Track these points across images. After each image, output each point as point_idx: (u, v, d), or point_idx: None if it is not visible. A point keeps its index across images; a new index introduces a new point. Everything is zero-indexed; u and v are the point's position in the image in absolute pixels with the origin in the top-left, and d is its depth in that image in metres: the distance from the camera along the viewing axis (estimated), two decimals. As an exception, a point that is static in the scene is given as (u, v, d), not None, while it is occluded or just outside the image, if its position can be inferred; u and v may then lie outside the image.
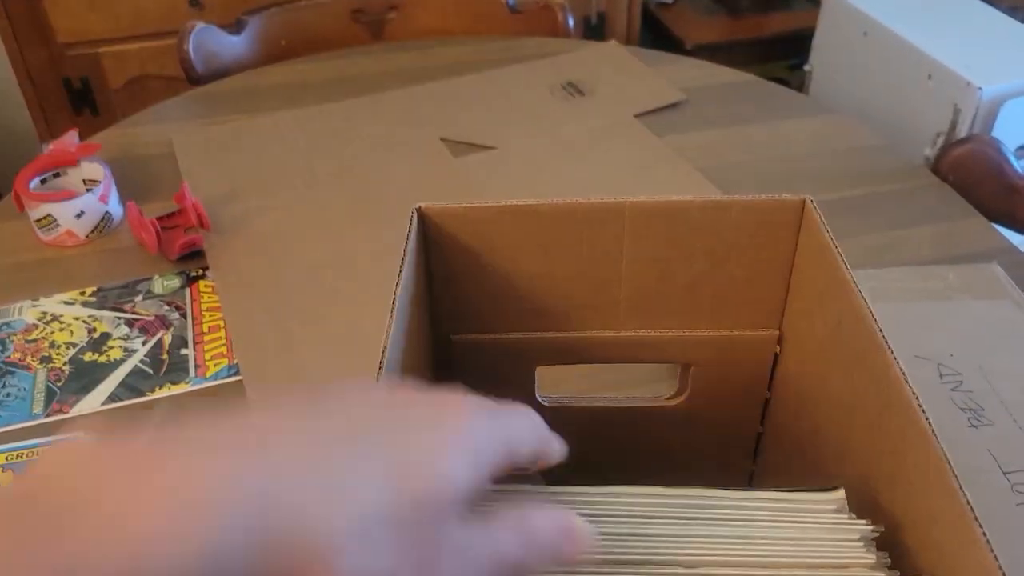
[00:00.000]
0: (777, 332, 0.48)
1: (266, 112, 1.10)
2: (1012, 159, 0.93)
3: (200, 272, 0.85)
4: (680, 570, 0.33)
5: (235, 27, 1.30)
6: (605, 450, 0.49)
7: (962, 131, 1.45)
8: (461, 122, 1.07)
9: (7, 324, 0.79)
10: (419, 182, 0.97)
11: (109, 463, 0.22)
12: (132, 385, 0.73)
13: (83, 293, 0.83)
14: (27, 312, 0.80)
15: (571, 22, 1.36)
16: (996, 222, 0.91)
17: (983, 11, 1.64)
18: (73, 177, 0.93)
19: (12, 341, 0.77)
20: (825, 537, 0.34)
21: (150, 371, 0.74)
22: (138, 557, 0.20)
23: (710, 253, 0.46)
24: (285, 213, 0.92)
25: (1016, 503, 0.59)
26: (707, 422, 0.52)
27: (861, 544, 0.33)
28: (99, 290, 0.83)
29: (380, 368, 0.36)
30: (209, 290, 0.82)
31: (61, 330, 0.78)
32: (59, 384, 0.73)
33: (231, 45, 1.29)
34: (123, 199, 0.93)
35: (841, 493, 0.36)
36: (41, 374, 0.74)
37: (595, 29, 1.89)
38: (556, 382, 0.53)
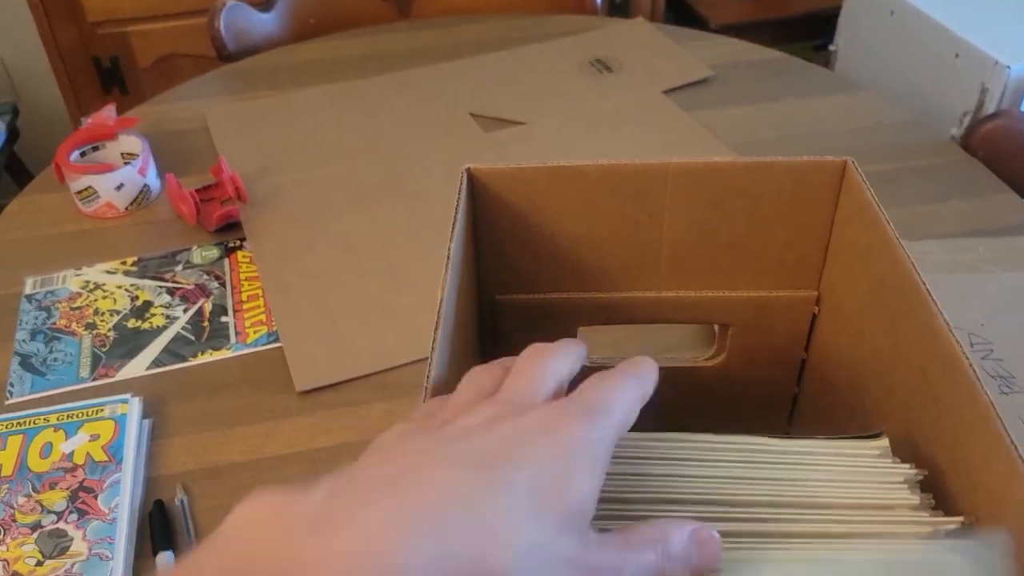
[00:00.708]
0: (816, 293, 0.49)
1: (297, 88, 1.12)
2: (1042, 134, 0.93)
3: (238, 243, 0.86)
4: (721, 509, 0.34)
5: (265, 5, 1.31)
6: (643, 410, 0.51)
7: (990, 110, 1.45)
8: (490, 98, 1.08)
9: (52, 292, 0.81)
10: (450, 156, 0.98)
11: (298, 523, 0.23)
12: (175, 351, 0.74)
13: (124, 263, 0.84)
14: (71, 281, 0.82)
15: (598, 0, 1.37)
16: (1026, 197, 0.91)
17: (1011, -11, 1.63)
18: (111, 150, 0.95)
19: (58, 308, 0.79)
20: (869, 480, 0.35)
21: (192, 337, 0.76)
22: None
23: (750, 214, 0.47)
24: (318, 186, 0.93)
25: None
26: (744, 383, 0.53)
27: (905, 486, 0.34)
28: (140, 260, 0.85)
29: (438, 321, 0.37)
30: (247, 260, 0.84)
31: (104, 298, 0.80)
32: (104, 349, 0.75)
33: (261, 23, 1.30)
34: (160, 172, 0.94)
35: (885, 440, 0.37)
36: (87, 340, 0.76)
37: (620, 8, 1.89)
38: (596, 345, 0.54)
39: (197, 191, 0.89)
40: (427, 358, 0.36)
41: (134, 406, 0.68)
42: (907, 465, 0.35)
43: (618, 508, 0.34)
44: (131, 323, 0.77)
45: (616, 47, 1.17)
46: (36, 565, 0.57)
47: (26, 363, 0.74)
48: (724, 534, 0.30)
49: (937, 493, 0.35)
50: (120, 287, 0.81)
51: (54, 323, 0.78)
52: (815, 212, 0.47)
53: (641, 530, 0.29)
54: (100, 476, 0.62)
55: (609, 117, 1.04)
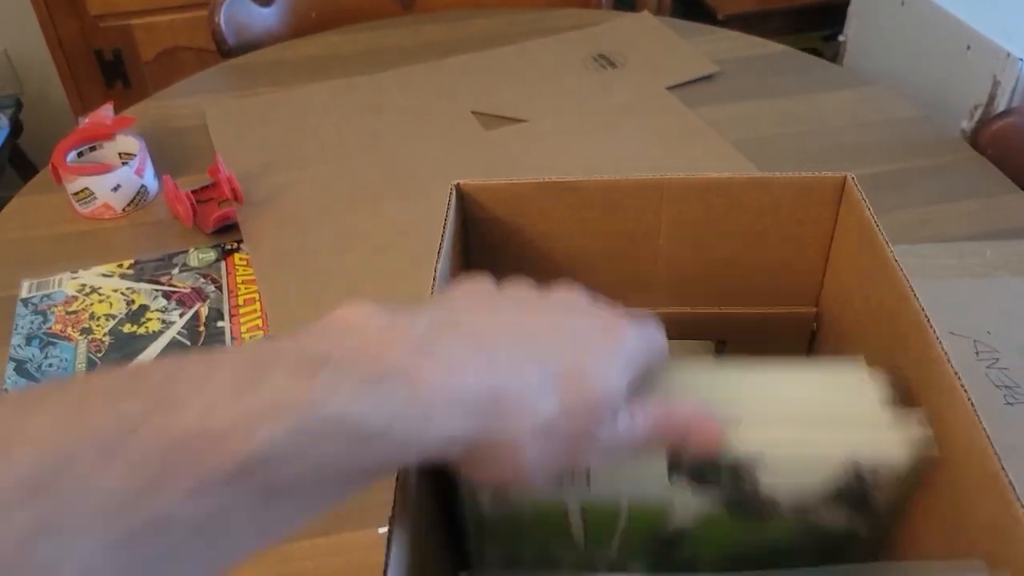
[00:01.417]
0: (815, 310, 0.48)
1: (297, 84, 1.11)
2: (1054, 133, 0.92)
3: (235, 245, 0.86)
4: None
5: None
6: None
7: (1001, 103, 1.43)
8: (492, 95, 1.07)
9: (48, 296, 0.80)
10: (451, 155, 0.97)
11: (406, 344, 0.29)
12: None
13: (121, 266, 0.84)
14: (67, 284, 0.82)
15: (603, -7, 1.35)
16: (1036, 197, 0.89)
17: (1025, -21, 1.60)
18: (109, 150, 0.94)
19: (53, 312, 0.79)
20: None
21: (188, 343, 0.75)
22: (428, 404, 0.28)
23: (748, 230, 0.46)
24: (318, 186, 0.92)
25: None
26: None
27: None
28: (136, 263, 0.84)
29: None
30: (244, 263, 0.83)
31: (100, 302, 0.80)
32: (100, 355, 0.74)
33: (262, 17, 1.29)
34: (158, 172, 0.93)
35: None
36: (82, 345, 0.75)
37: (627, 1, 1.87)
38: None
39: (194, 192, 0.89)
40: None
41: (128, 414, 0.67)
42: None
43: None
44: (127, 328, 0.77)
45: (620, 42, 1.16)
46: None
47: (21, 369, 0.73)
48: None
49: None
50: (116, 291, 0.81)
51: (50, 328, 0.77)
52: (814, 228, 0.46)
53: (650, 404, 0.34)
54: (93, 487, 0.62)
55: (612, 114, 1.02)
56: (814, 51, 1.30)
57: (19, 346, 0.75)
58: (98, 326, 0.77)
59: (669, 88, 1.06)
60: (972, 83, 1.50)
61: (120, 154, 0.94)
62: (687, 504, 0.36)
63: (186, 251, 0.85)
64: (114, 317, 0.78)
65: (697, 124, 1.00)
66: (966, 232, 0.83)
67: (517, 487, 0.32)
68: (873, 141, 0.97)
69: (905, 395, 0.37)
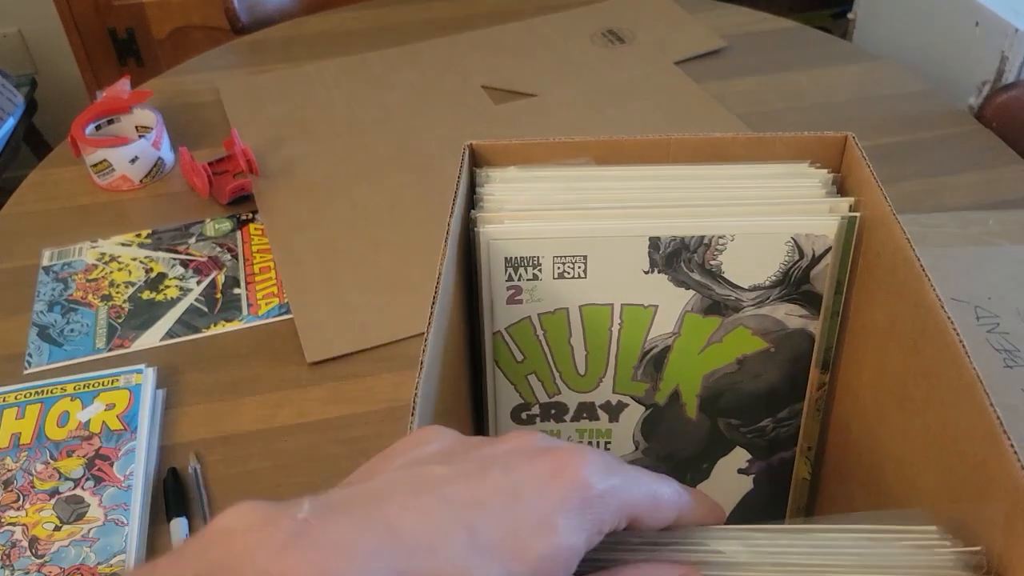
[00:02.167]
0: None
1: (309, 61, 1.12)
2: (1058, 105, 0.92)
3: (250, 216, 0.87)
4: None
5: (277, -24, 1.31)
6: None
7: (1009, 79, 1.43)
8: (502, 70, 1.08)
9: (68, 264, 0.82)
10: (461, 128, 0.98)
11: (275, 537, 0.24)
12: (188, 322, 0.76)
13: (139, 235, 0.86)
14: (87, 253, 0.84)
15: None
16: (1040, 169, 0.90)
17: (1034, -44, 1.59)
18: (126, 124, 0.96)
19: (74, 280, 0.80)
20: None
21: (205, 309, 0.77)
22: None
23: (752, 189, 0.47)
24: (330, 158, 0.94)
25: (1049, 440, 0.60)
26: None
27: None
28: (154, 232, 0.86)
29: (436, 294, 0.38)
30: (259, 233, 0.85)
31: (119, 270, 0.82)
32: (119, 320, 0.76)
33: (274, -6, 1.30)
34: (173, 145, 0.95)
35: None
36: (102, 311, 0.77)
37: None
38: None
39: (210, 164, 0.90)
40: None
41: (148, 376, 0.69)
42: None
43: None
44: (145, 295, 0.79)
45: (628, 18, 1.17)
46: (54, 530, 0.59)
47: (44, 333, 0.75)
48: None
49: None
50: (135, 259, 0.83)
51: (71, 294, 0.79)
52: (815, 186, 0.47)
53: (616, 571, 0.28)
54: (115, 444, 0.64)
55: (620, 88, 1.03)
56: (823, 29, 1.30)
57: (41, 312, 0.77)
58: (118, 293, 0.79)
59: (677, 63, 1.07)
60: (980, 59, 1.50)
61: (137, 127, 0.96)
62: (670, 304, 0.42)
63: (202, 221, 0.87)
64: (133, 284, 0.80)
65: (704, 98, 1.01)
66: (970, 202, 0.85)
67: None
68: (879, 114, 0.98)
69: (903, 332, 0.39)
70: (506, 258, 0.42)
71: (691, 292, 0.43)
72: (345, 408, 0.68)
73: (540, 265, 0.43)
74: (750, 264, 0.42)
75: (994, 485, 0.32)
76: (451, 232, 0.41)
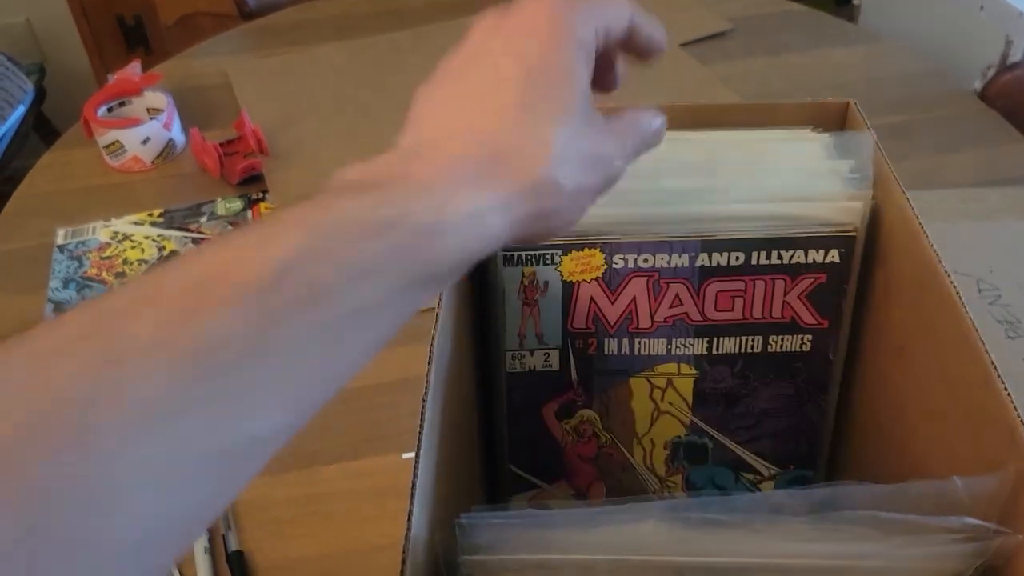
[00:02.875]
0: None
1: (317, 44, 1.13)
2: (1061, 84, 0.93)
3: (260, 195, 0.89)
4: None
5: (285, -38, 1.32)
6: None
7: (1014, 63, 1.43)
8: (508, 52, 1.09)
9: (83, 243, 0.84)
10: (468, 110, 0.99)
11: (379, 162, 0.30)
12: (201, 298, 0.77)
13: (151, 215, 0.87)
14: (100, 232, 0.85)
15: (616, -46, 1.36)
16: (1042, 147, 0.91)
17: (1039, -60, 1.60)
18: (137, 106, 0.97)
19: (88, 258, 0.82)
20: None
21: (217, 285, 0.78)
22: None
23: (755, 156, 0.48)
24: (339, 139, 0.95)
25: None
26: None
27: None
28: (166, 212, 0.87)
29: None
30: (270, 212, 0.86)
31: (133, 248, 0.83)
32: (133, 297, 0.77)
33: (281, -20, 1.31)
34: (184, 127, 0.96)
35: None
36: (116, 287, 0.78)
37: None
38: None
39: (220, 145, 0.92)
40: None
41: (163, 349, 0.70)
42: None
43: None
44: (159, 272, 0.80)
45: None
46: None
47: (60, 309, 0.76)
48: None
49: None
50: (148, 238, 0.84)
51: (85, 272, 0.80)
52: (818, 153, 0.48)
53: (627, 117, 0.35)
54: (132, 414, 0.65)
55: (625, 70, 1.04)
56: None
57: (57, 289, 0.79)
58: (132, 270, 0.80)
59: (683, 45, 1.08)
60: (985, 44, 1.50)
61: (148, 109, 0.97)
62: None
63: (213, 201, 0.88)
64: (147, 262, 0.81)
65: (710, 80, 1.02)
66: (972, 180, 0.85)
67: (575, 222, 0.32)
68: (883, 94, 0.99)
69: (896, 286, 0.40)
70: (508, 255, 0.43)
71: None
72: (357, 380, 0.69)
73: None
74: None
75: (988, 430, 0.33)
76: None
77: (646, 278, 0.44)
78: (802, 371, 0.46)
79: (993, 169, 0.87)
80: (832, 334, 0.44)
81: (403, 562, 0.29)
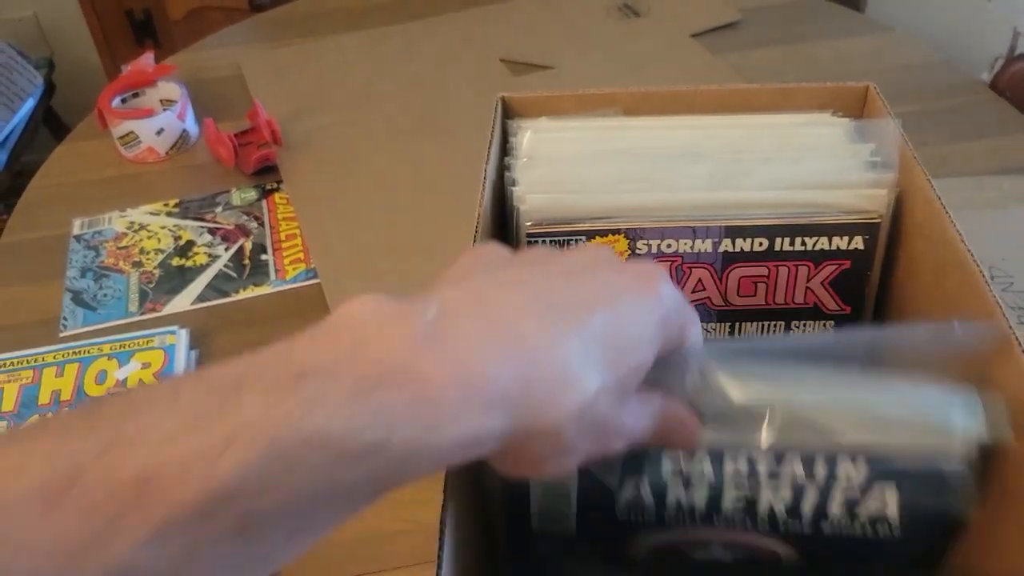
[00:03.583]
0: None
1: (329, 35, 1.13)
2: (1072, 73, 0.93)
3: (275, 185, 0.89)
4: None
5: (295, -46, 1.32)
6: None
7: (1021, 54, 1.43)
8: (519, 43, 1.09)
9: (99, 233, 0.84)
10: (480, 99, 0.99)
11: (412, 337, 0.24)
12: (218, 287, 0.78)
13: (166, 205, 0.87)
14: (116, 222, 0.85)
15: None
16: (1053, 136, 0.91)
17: (1047, -69, 1.60)
18: (151, 97, 0.98)
19: (105, 248, 0.82)
20: None
21: (234, 274, 0.79)
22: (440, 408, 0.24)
23: (775, 140, 0.49)
24: (352, 129, 0.96)
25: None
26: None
27: None
28: (181, 202, 0.88)
29: (476, 232, 0.39)
30: (284, 201, 0.87)
31: (149, 238, 0.83)
32: (151, 286, 0.78)
33: (291, -28, 1.31)
34: (198, 118, 0.97)
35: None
36: (134, 277, 0.79)
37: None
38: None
39: (234, 135, 0.92)
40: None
41: (182, 337, 0.71)
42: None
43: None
44: (175, 261, 0.80)
45: (644, -8, 1.18)
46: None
47: (77, 298, 0.77)
48: None
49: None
50: (163, 227, 0.85)
51: (102, 261, 0.81)
52: (838, 137, 0.48)
53: (671, 413, 0.30)
54: (152, 401, 0.66)
55: (636, 61, 1.05)
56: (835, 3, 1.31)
57: (74, 278, 0.79)
58: (148, 260, 0.81)
59: (693, 36, 1.08)
60: (993, 36, 1.50)
61: (161, 100, 0.97)
62: None
63: (228, 191, 0.89)
64: (163, 252, 0.82)
65: (721, 70, 1.02)
66: (984, 169, 0.86)
67: (556, 474, 0.28)
68: (894, 85, 0.98)
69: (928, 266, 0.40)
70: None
71: None
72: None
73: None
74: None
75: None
76: (487, 177, 0.43)
77: (669, 263, 0.44)
78: (823, 354, 0.46)
79: (1005, 158, 0.87)
80: (855, 320, 0.45)
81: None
